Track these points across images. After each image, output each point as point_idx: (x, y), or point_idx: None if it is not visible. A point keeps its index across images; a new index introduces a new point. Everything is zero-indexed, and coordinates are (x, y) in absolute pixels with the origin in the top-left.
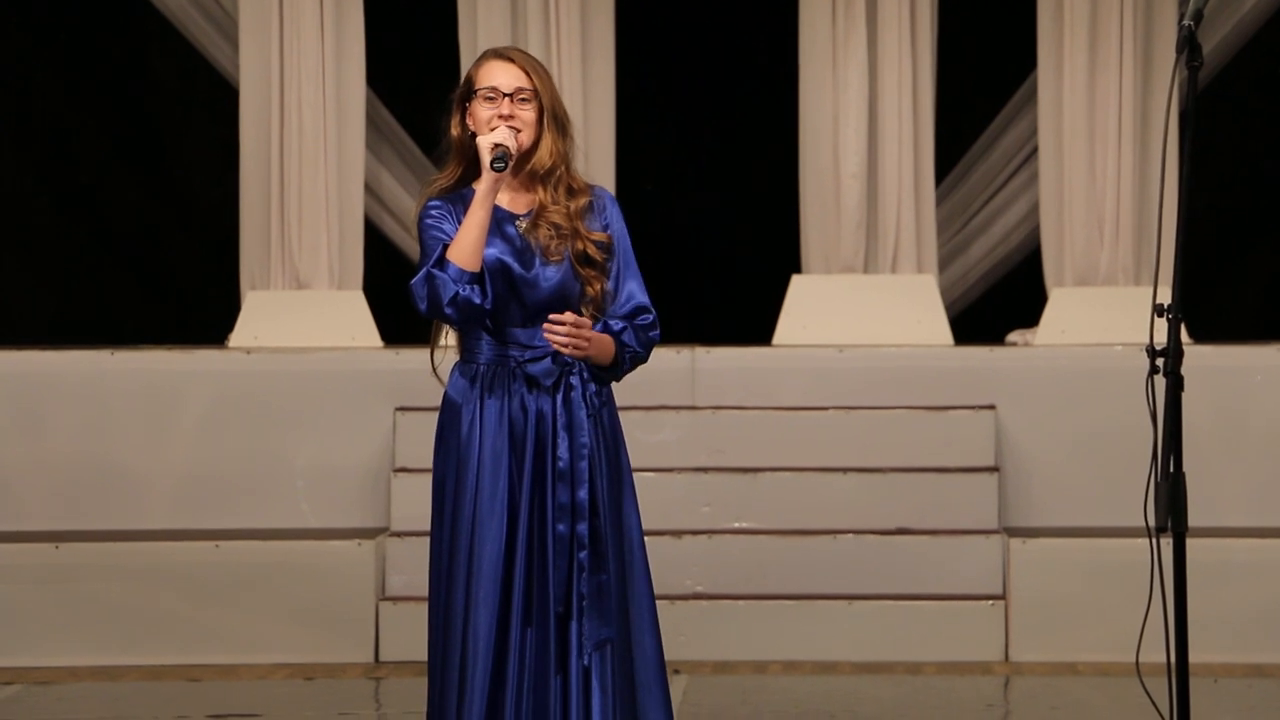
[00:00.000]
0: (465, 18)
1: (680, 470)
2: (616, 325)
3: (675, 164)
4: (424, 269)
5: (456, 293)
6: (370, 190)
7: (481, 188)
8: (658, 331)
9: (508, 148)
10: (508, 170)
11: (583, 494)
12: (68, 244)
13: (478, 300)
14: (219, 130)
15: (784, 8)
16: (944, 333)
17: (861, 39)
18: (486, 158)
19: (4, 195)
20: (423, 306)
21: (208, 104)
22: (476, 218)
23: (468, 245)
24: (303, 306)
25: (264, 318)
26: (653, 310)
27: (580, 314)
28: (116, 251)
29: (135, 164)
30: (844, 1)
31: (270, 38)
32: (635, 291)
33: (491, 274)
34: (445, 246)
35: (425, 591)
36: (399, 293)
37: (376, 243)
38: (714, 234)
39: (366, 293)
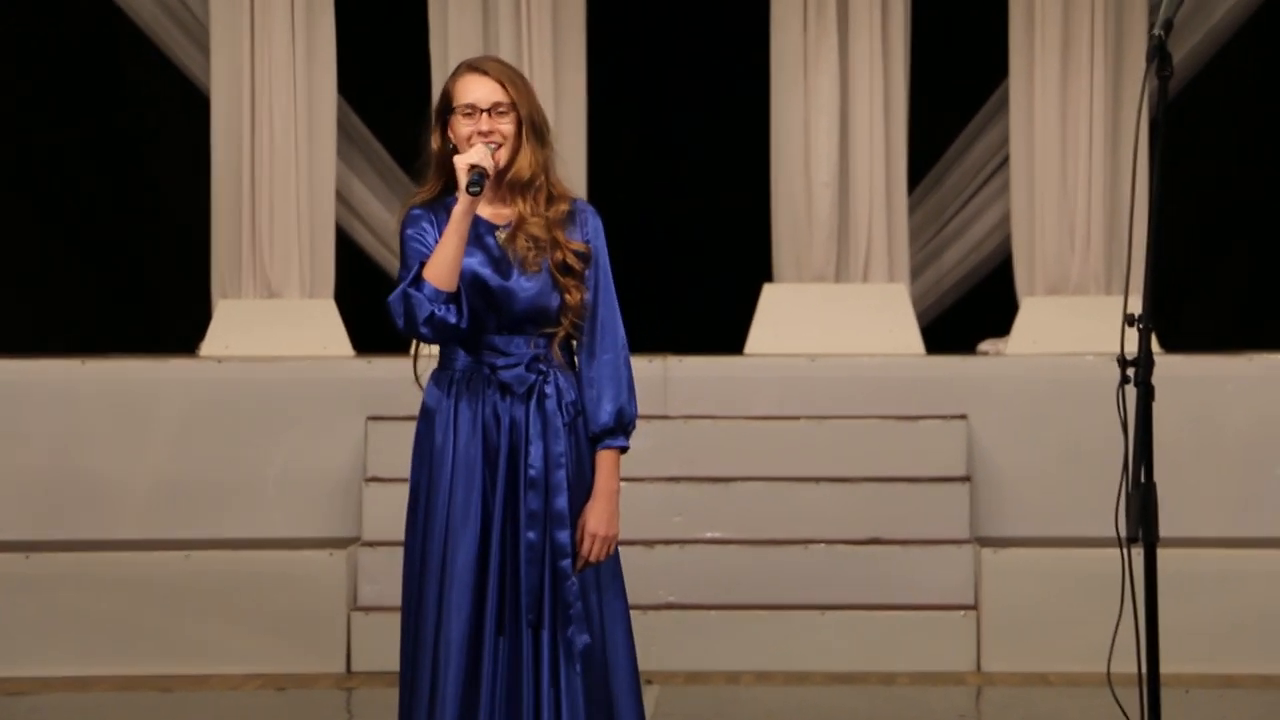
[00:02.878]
0: (436, 25)
1: (652, 480)
2: (614, 443)
3: (647, 171)
4: (401, 287)
5: (432, 312)
6: (341, 198)
7: (458, 209)
8: (635, 406)
9: (484, 169)
10: (484, 192)
11: (561, 502)
12: (40, 252)
13: (453, 320)
14: (191, 138)
15: (756, 15)
16: (916, 342)
17: (833, 46)
18: (463, 179)
19: None
20: (399, 324)
21: (179, 112)
22: (453, 239)
23: (444, 265)
24: (274, 315)
25: (235, 326)
26: (626, 348)
27: (559, 324)
28: (88, 260)
29: (107, 172)
30: (815, 8)
31: (241, 46)
32: (615, 349)
33: (467, 286)
34: (422, 264)
35: (397, 602)
36: (371, 301)
37: (348, 251)
38: (686, 242)
39: (338, 301)
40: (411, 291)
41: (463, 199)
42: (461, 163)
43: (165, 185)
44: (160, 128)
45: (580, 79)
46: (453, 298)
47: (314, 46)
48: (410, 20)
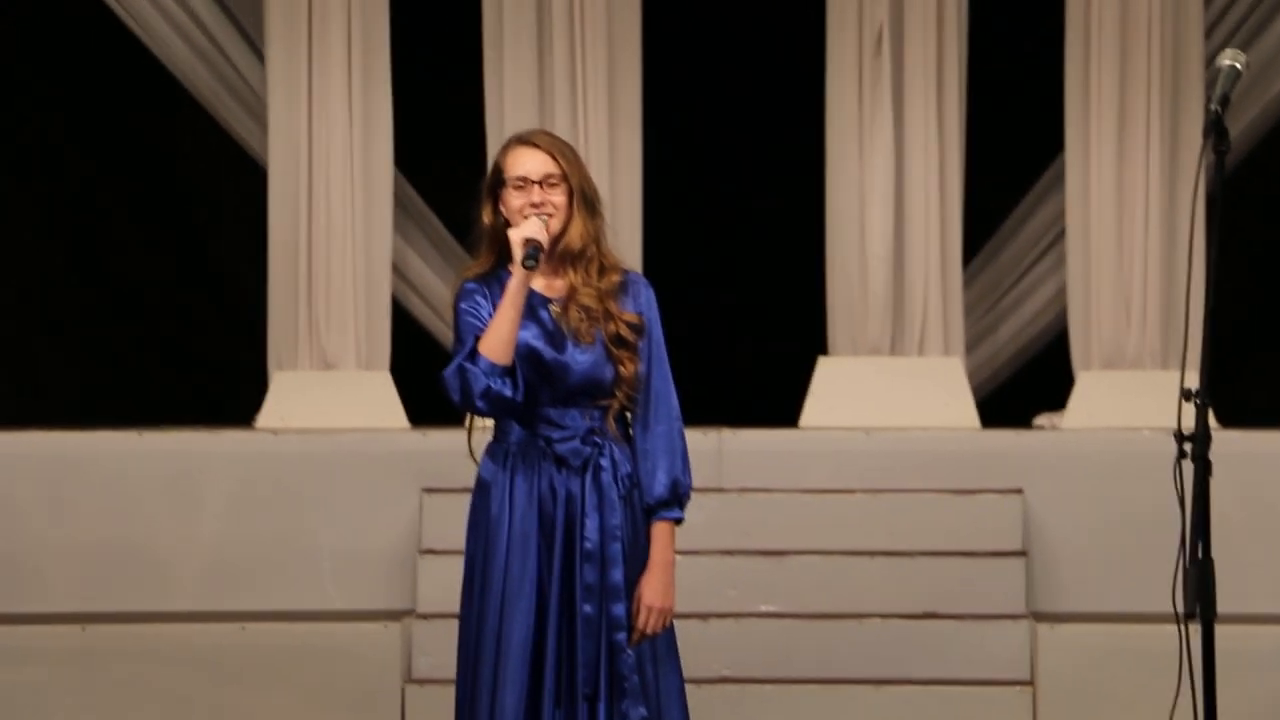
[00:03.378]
0: (492, 98)
1: (707, 553)
2: (669, 515)
3: (702, 241)
4: (456, 361)
5: (488, 386)
6: (397, 271)
7: (513, 284)
8: (690, 478)
9: (539, 242)
10: (539, 266)
11: (618, 575)
12: (96, 323)
13: (509, 393)
14: (247, 210)
15: (811, 87)
16: (971, 415)
17: (888, 119)
18: (518, 253)
19: (34, 274)
20: (455, 398)
21: (236, 184)
22: (509, 313)
23: (500, 339)
24: (330, 387)
25: (291, 398)
26: (680, 420)
27: (613, 396)
28: (144, 331)
29: (164, 244)
30: (870, 81)
31: (299, 119)
32: (669, 421)
33: (521, 359)
34: (477, 338)
35: (452, 674)
36: (426, 373)
37: (403, 323)
38: (740, 314)
39: (393, 373)
40: (467, 366)
41: (518, 273)
42: (516, 236)
43: (221, 257)
44: (216, 199)
45: (636, 150)
46: (508, 371)
47: (370, 119)
48: (466, 93)
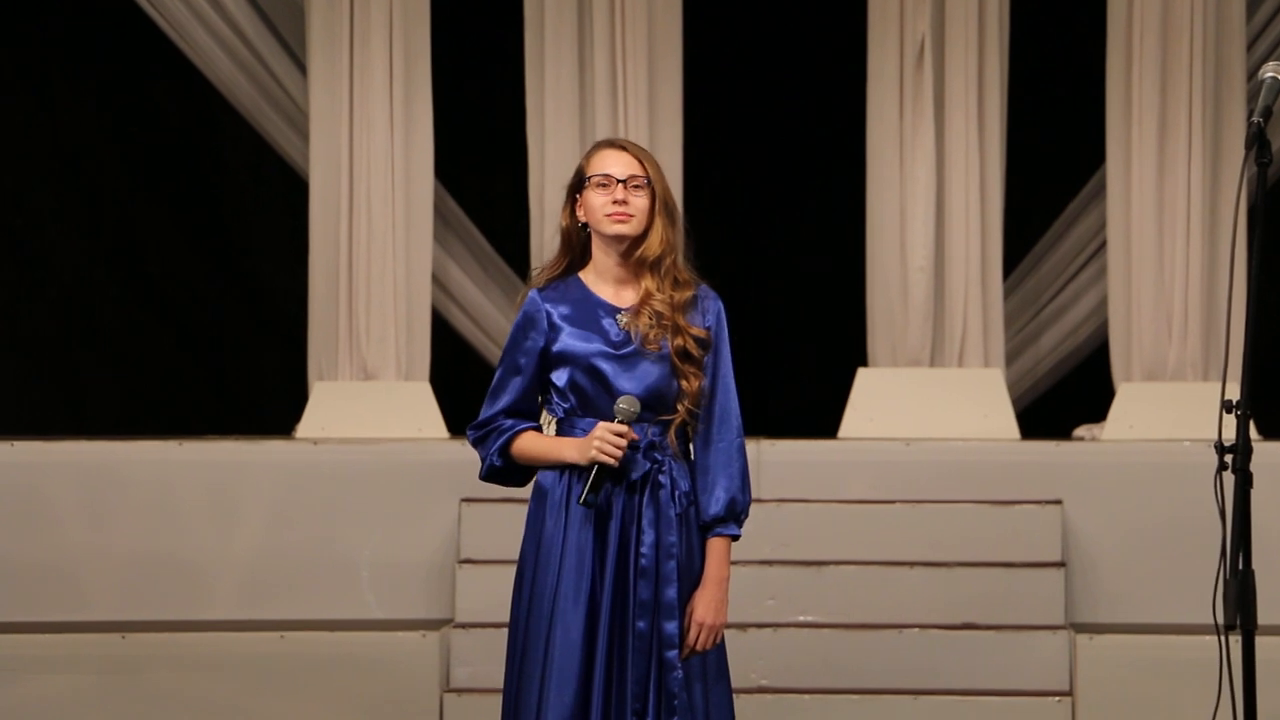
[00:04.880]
0: (533, 108)
1: (746, 563)
2: (726, 531)
3: (743, 253)
4: (485, 416)
5: (490, 469)
6: (437, 281)
7: (566, 455)
8: (748, 495)
9: (610, 466)
10: (597, 503)
11: (671, 592)
12: (137, 334)
13: (508, 483)
14: (289, 221)
15: (852, 98)
16: (1011, 427)
17: (930, 131)
18: (586, 486)
19: (75, 286)
20: (472, 445)
21: (278, 195)
22: (550, 456)
23: (530, 459)
24: (370, 397)
25: (331, 408)
26: (741, 436)
27: (675, 410)
28: (185, 342)
29: (205, 255)
30: (912, 93)
31: (340, 131)
32: (730, 438)
33: (583, 373)
34: (519, 431)
35: (490, 683)
36: (466, 384)
37: (443, 334)
38: (780, 326)
39: (433, 384)
40: (481, 453)
41: (574, 456)
42: (593, 450)
43: (263, 267)
44: (258, 211)
45: (676, 162)
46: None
47: (412, 132)
48: (507, 106)
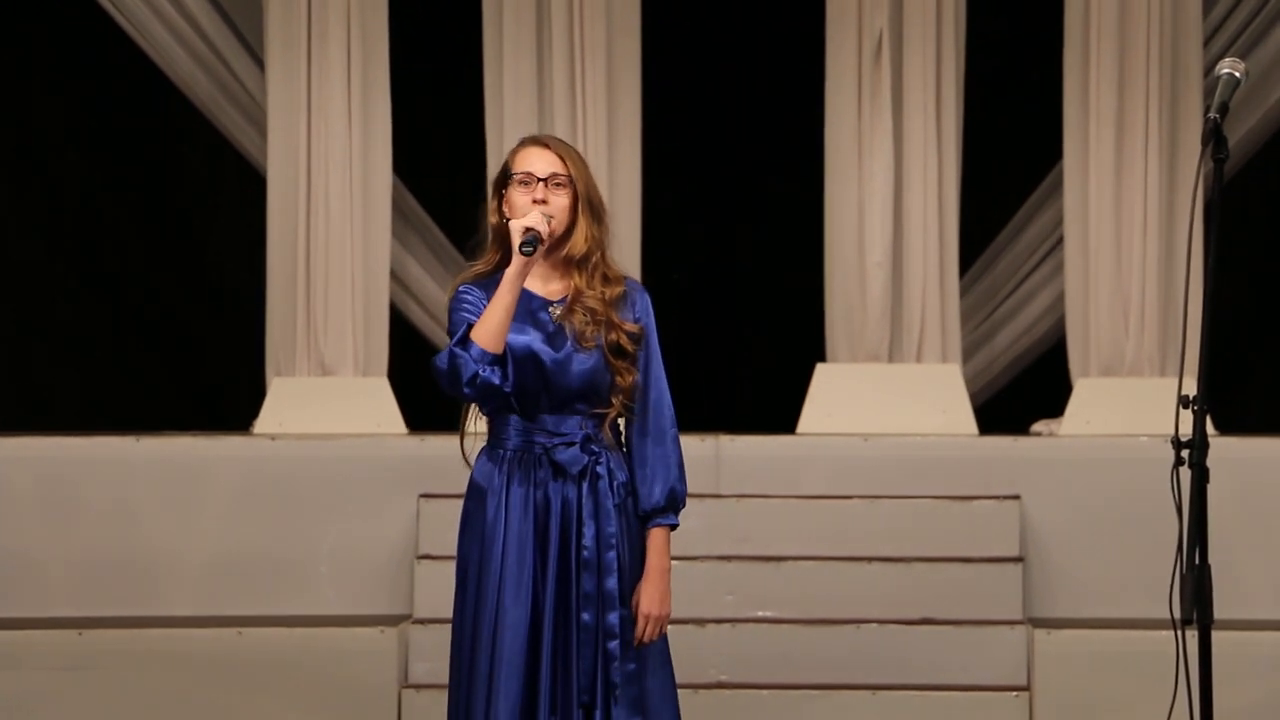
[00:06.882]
0: (492, 105)
1: (704, 559)
2: (665, 521)
3: (701, 250)
4: (448, 347)
5: (476, 372)
6: (396, 277)
7: (511, 270)
8: (685, 485)
9: (538, 231)
10: (536, 254)
11: (612, 583)
12: (95, 330)
13: (496, 381)
14: (247, 217)
15: (811, 94)
16: (968, 422)
17: (887, 128)
18: (516, 240)
19: (33, 281)
20: (443, 383)
21: (236, 191)
22: (504, 300)
23: (492, 327)
24: (328, 393)
25: (289, 404)
26: (675, 427)
27: (610, 404)
28: (143, 337)
29: (163, 251)
30: (870, 92)
31: (298, 125)
32: (664, 429)
33: (521, 362)
34: (470, 326)
35: (447, 679)
36: (424, 380)
37: (402, 330)
38: (739, 321)
39: (391, 380)
40: (458, 351)
41: (516, 260)
42: (516, 225)
43: (220, 263)
44: (216, 205)
45: (635, 158)
46: (498, 360)
47: (370, 126)
48: (466, 101)
